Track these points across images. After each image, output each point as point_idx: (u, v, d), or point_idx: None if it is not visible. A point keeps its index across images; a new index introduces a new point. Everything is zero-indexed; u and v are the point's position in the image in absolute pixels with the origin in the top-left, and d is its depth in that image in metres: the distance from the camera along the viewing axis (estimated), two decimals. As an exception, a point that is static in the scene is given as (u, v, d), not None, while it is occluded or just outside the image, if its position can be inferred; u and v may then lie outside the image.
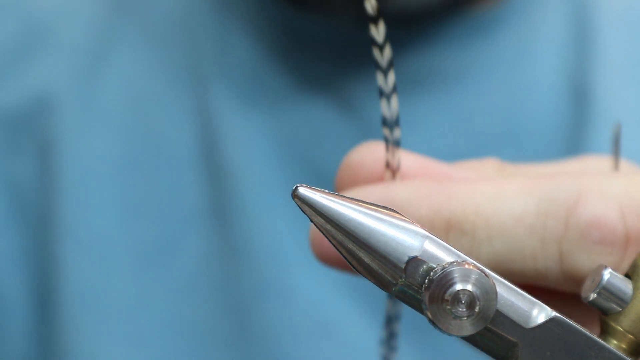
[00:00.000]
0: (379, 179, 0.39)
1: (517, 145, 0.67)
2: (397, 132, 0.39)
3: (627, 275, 0.33)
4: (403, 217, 0.33)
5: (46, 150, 0.68)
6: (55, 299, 0.66)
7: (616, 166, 0.43)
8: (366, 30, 0.64)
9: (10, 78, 0.70)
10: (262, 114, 0.67)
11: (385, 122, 0.39)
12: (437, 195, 0.38)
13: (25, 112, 0.69)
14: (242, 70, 0.68)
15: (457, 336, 0.32)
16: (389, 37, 0.66)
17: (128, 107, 0.69)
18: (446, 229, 0.37)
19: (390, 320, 0.43)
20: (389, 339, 0.43)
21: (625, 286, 0.33)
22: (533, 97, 0.67)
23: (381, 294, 0.38)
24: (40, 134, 0.68)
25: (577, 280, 0.37)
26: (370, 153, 0.40)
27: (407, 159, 0.40)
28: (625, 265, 0.36)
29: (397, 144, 0.39)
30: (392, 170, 0.39)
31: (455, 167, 0.41)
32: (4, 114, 0.69)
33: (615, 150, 0.43)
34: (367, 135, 0.65)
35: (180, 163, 0.68)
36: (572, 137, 0.66)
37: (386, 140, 0.39)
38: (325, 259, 0.39)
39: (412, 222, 0.33)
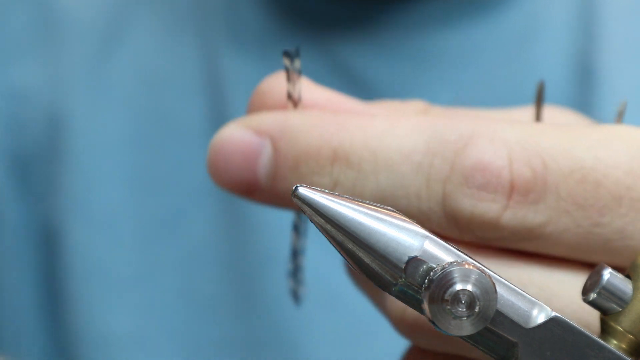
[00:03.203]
0: (283, 108, 0.39)
1: None
2: (298, 64, 0.39)
3: (627, 276, 0.33)
4: (403, 217, 0.33)
5: (55, 124, 0.69)
6: (63, 272, 0.67)
7: (538, 117, 0.43)
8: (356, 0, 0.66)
9: (24, 56, 0.71)
10: None
11: (287, 53, 0.39)
12: (328, 125, 0.37)
13: (35, 87, 0.69)
14: (251, 46, 0.69)
15: (457, 336, 0.32)
16: (393, 12, 0.67)
17: (139, 82, 0.69)
18: (332, 160, 0.37)
19: (296, 254, 0.43)
20: (296, 273, 0.43)
21: (625, 286, 0.33)
22: (538, 77, 0.67)
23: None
24: (49, 109, 0.69)
25: (459, 224, 0.36)
26: (277, 84, 0.40)
27: (316, 92, 0.40)
28: (510, 215, 0.35)
29: (299, 73, 0.39)
30: (293, 101, 0.39)
31: (373, 106, 0.41)
32: (14, 90, 0.70)
33: (538, 101, 0.43)
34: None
35: (189, 138, 0.68)
36: None
37: (287, 71, 0.39)
38: (222, 183, 0.40)
39: (412, 222, 0.33)
